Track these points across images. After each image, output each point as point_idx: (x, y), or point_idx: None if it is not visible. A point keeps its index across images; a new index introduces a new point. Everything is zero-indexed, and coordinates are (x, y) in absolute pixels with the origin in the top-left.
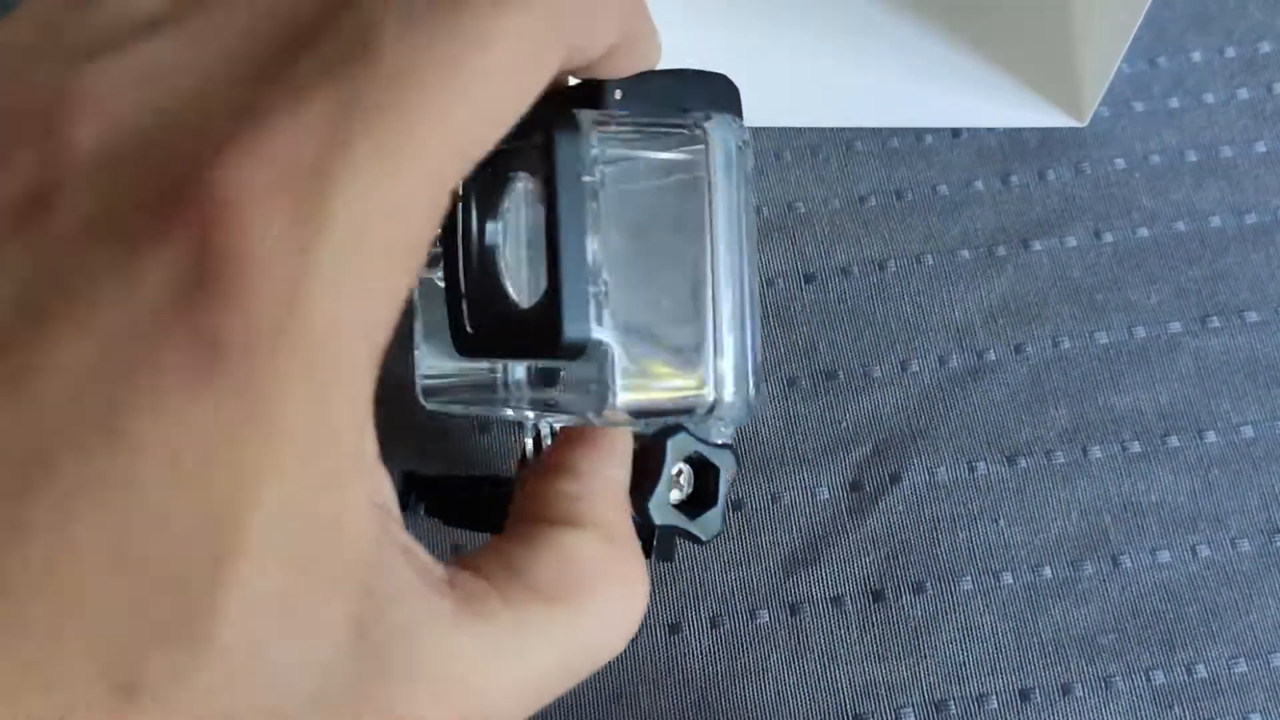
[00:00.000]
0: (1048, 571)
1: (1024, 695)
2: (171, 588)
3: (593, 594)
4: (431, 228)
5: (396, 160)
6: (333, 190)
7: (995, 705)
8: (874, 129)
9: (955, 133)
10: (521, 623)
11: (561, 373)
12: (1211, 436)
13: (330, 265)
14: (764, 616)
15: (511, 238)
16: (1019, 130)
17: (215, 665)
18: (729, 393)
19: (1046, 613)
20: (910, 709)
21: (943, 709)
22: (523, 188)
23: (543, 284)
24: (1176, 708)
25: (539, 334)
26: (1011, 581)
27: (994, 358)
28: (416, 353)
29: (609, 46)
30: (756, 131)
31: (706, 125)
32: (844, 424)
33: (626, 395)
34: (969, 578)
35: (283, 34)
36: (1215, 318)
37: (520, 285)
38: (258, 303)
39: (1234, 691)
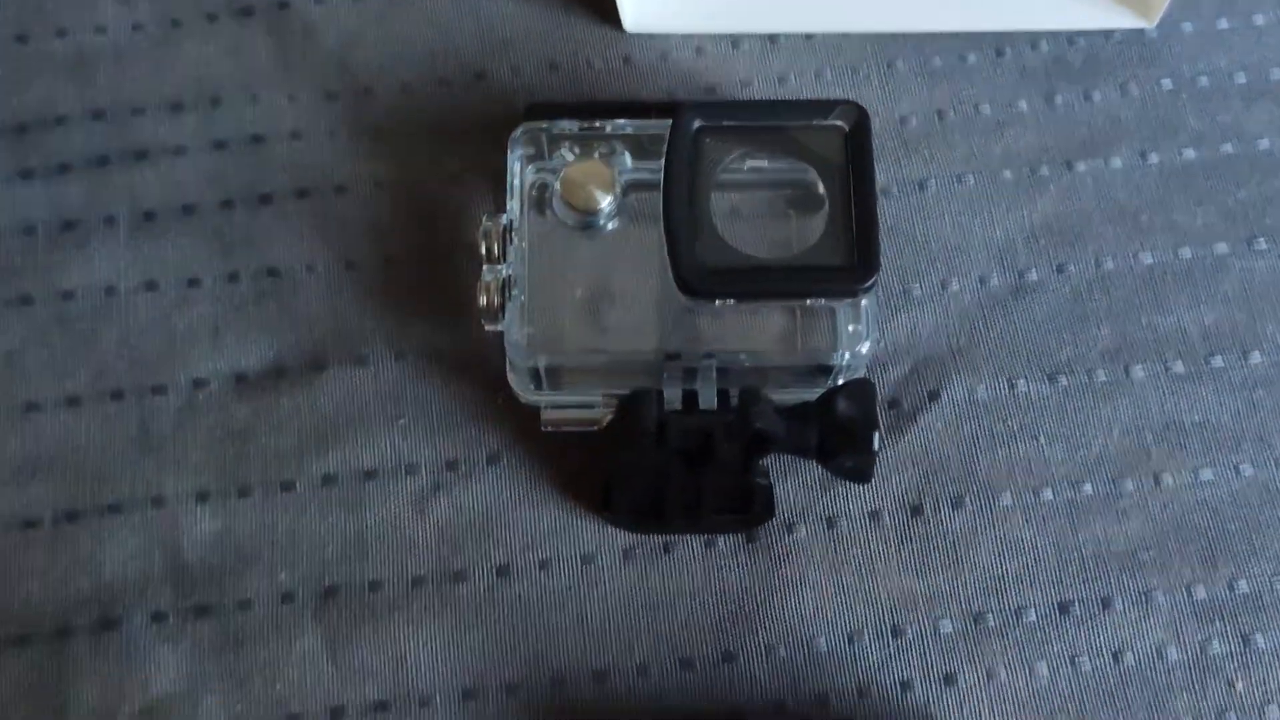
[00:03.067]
0: (1088, 488)
1: (1063, 608)
2: None
3: None
4: None
5: None
6: None
7: (1034, 618)
8: (915, 48)
9: (999, 51)
10: None
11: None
12: (1256, 357)
13: None
14: (801, 531)
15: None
16: (1063, 50)
17: None
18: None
19: (1087, 528)
20: (948, 620)
21: (981, 621)
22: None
23: (808, 238)
24: (1218, 622)
25: (837, 273)
26: (1051, 497)
27: (1035, 277)
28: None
29: None
30: (806, 38)
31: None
32: (883, 343)
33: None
34: (1008, 493)
35: None
36: (1262, 239)
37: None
38: None
39: (1276, 608)
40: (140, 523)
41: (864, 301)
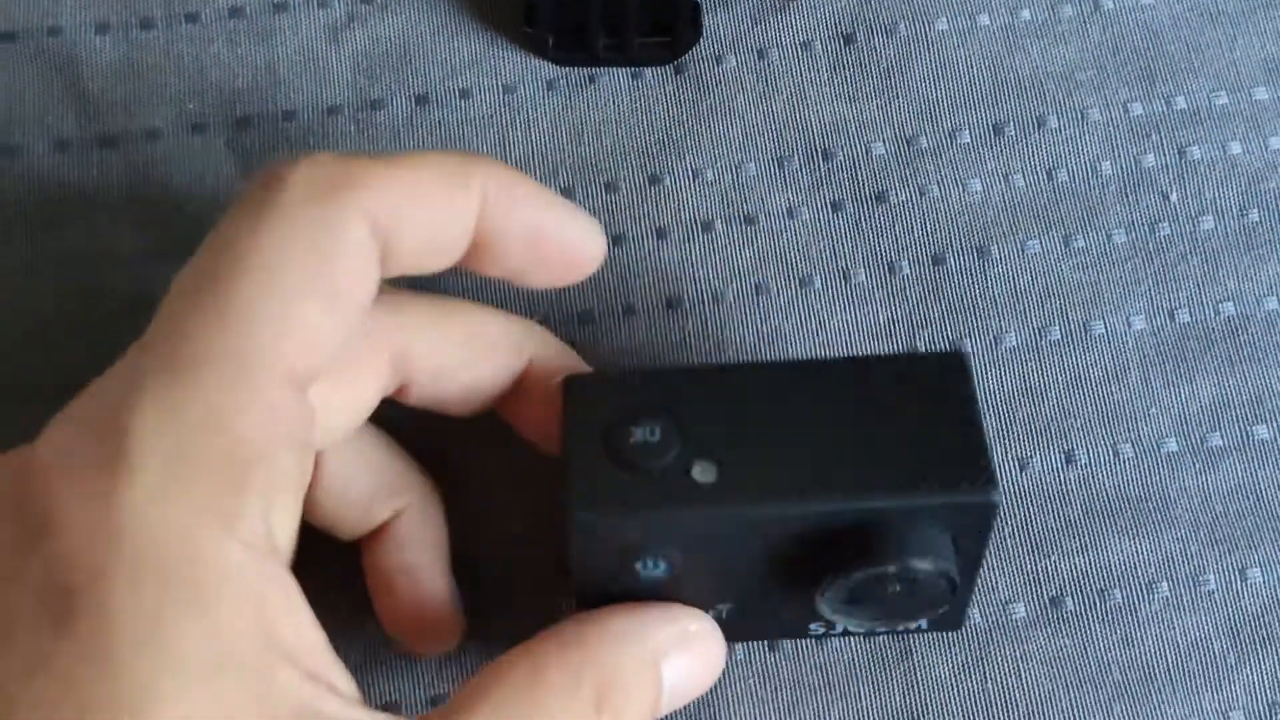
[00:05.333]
0: (1026, 14)
1: (997, 129)
2: None
3: None
4: (278, 428)
5: (186, 387)
6: (129, 431)
7: (968, 139)
8: None
9: None
10: None
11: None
12: None
13: (147, 497)
14: (730, 61)
15: None
16: None
17: None
18: None
19: (1023, 51)
20: (880, 143)
21: (913, 143)
22: None
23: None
24: (1154, 136)
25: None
26: (988, 23)
27: None
28: None
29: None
30: None
31: None
32: None
33: None
34: (944, 19)
35: None
36: None
37: None
38: (79, 545)
39: (1214, 121)
40: (36, 51)
41: None
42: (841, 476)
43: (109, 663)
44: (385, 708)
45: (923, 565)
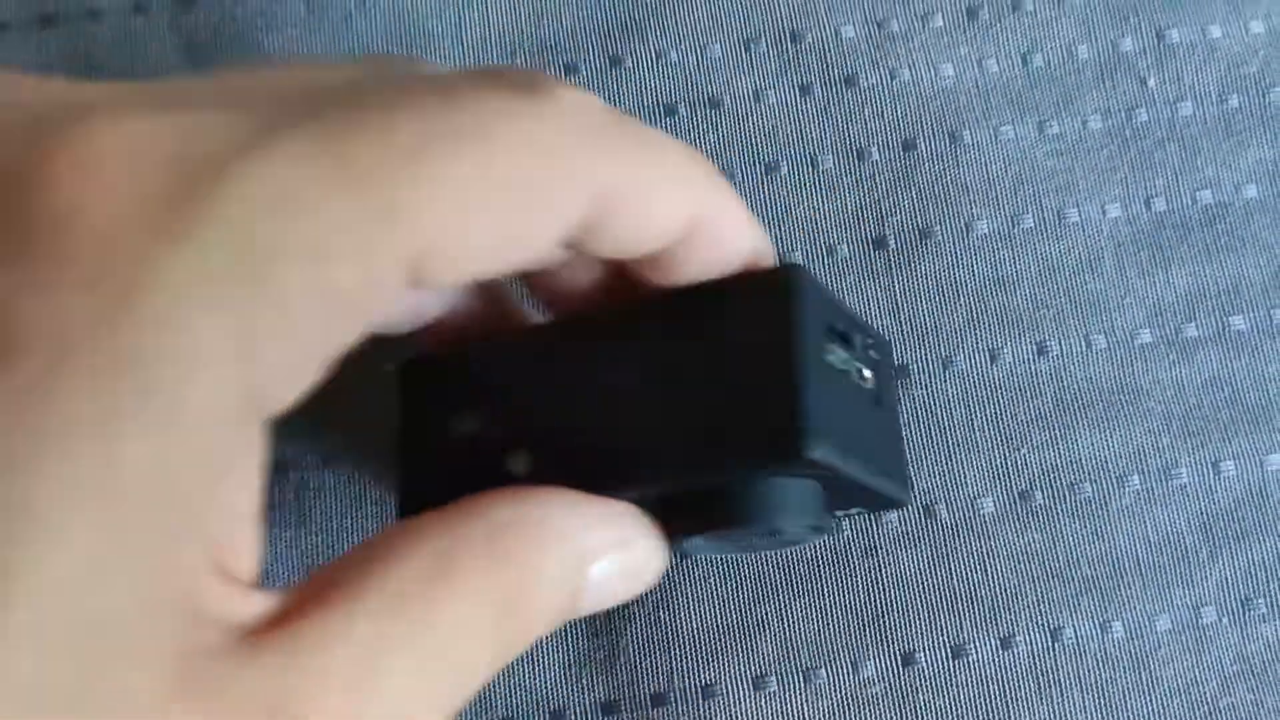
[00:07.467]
0: None
1: (971, 12)
2: None
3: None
4: (374, 288)
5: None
6: (227, 180)
7: (940, 22)
8: None
9: None
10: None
11: None
12: None
13: (199, 266)
14: None
15: None
16: None
17: None
18: None
19: None
20: (850, 26)
21: (885, 26)
22: None
23: None
24: (1132, 19)
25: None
26: None
27: None
28: None
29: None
30: None
31: None
32: None
33: None
34: None
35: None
36: None
37: None
38: (76, 285)
39: (1194, 4)
40: None
41: None
42: (656, 454)
43: None
44: None
45: (780, 523)
